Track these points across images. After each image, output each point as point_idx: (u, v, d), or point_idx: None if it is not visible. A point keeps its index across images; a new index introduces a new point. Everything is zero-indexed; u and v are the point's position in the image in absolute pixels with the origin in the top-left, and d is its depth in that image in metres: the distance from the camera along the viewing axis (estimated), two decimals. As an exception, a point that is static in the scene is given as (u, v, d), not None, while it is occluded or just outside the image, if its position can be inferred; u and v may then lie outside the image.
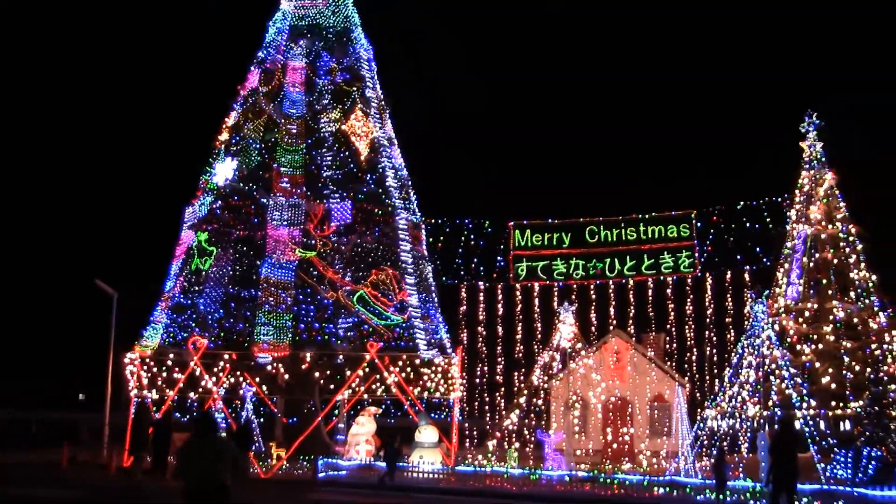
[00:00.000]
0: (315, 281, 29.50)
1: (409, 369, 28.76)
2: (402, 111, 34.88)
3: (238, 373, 28.35)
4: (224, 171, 31.57)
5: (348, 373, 27.87)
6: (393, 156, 32.65)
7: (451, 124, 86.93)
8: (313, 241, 29.96)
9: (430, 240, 33.59)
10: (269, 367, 28.13)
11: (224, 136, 32.63)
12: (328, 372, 28.27)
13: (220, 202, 31.15)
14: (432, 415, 30.17)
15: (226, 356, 28.18)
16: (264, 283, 29.20)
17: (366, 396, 30.35)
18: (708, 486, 22.25)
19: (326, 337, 28.83)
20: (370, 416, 29.02)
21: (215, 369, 28.10)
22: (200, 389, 28.71)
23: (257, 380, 28.49)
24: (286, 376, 28.29)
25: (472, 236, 33.66)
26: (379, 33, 34.66)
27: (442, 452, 28.08)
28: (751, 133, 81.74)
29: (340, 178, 30.94)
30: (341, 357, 28.30)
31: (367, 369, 27.90)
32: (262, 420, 32.82)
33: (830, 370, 30.80)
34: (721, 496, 20.76)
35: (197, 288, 30.15)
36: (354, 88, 32.42)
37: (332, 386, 28.34)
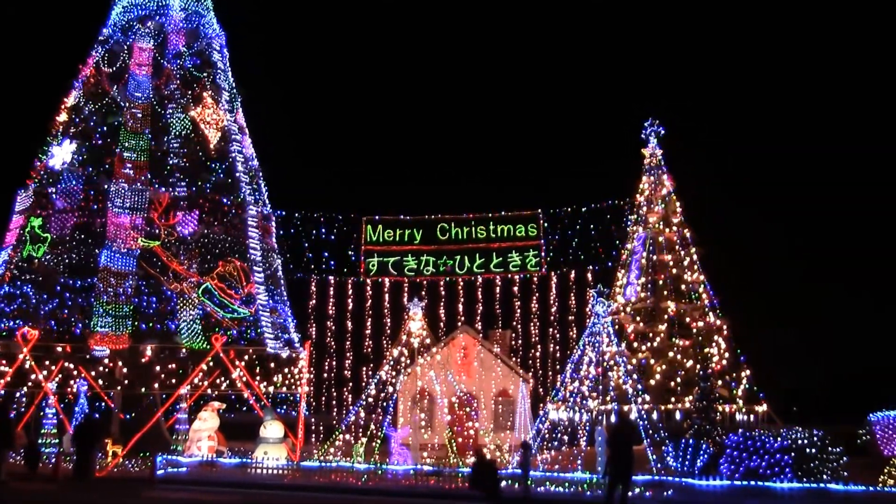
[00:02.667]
0: (158, 271, 28.52)
1: (255, 364, 28.27)
2: (254, 101, 34.14)
3: (72, 366, 27.06)
4: (62, 154, 30.02)
5: (191, 367, 27.13)
6: (244, 145, 31.94)
7: (306, 116, 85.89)
8: (157, 230, 28.93)
9: (281, 232, 33.11)
10: (106, 361, 27.02)
11: (63, 117, 31.01)
12: (170, 366, 27.39)
13: (56, 186, 29.60)
14: (278, 410, 29.76)
15: (59, 348, 26.83)
16: (103, 272, 27.96)
17: (209, 391, 29.57)
18: (549, 478, 22.95)
19: (168, 330, 27.94)
20: (213, 411, 28.35)
21: (47, 362, 26.71)
22: (30, 383, 27.21)
23: (93, 374, 27.23)
24: (124, 370, 27.24)
25: (323, 230, 33.42)
26: (232, 20, 33.74)
27: (287, 448, 27.75)
28: (597, 136, 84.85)
29: (188, 166, 30.02)
30: (184, 350, 27.49)
31: (211, 363, 27.23)
32: (97, 416, 31.40)
33: (663, 366, 32.49)
34: (526, 486, 21.34)
35: (28, 276, 28.57)
36: (205, 74, 31.49)
37: (173, 380, 27.45)
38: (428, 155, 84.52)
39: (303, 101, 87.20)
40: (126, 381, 27.68)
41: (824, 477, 21.73)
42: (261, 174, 32.49)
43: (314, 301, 33.93)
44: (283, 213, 33.15)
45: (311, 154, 79.88)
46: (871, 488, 21.12)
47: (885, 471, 23.31)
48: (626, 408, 27.83)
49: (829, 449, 22.66)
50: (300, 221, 33.40)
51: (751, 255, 59.95)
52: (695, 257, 34.42)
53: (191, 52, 31.63)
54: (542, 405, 31.72)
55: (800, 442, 22.17)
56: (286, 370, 29.21)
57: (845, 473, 22.54)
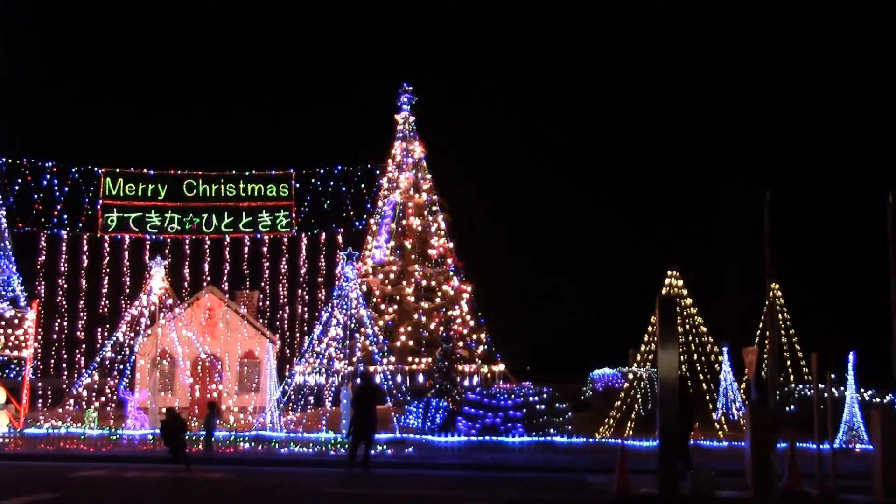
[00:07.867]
0: None
1: (-28, 324, 25.93)
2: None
3: None
4: None
5: None
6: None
7: (43, 53, 78.81)
8: None
9: (6, 182, 30.30)
10: None
11: None
12: None
13: None
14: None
15: None
16: None
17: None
18: (293, 439, 23.01)
19: None
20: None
21: None
22: None
23: None
24: None
25: (55, 180, 31.00)
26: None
27: (9, 414, 25.79)
28: (351, 98, 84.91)
29: None
30: None
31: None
32: None
33: (409, 328, 33.43)
34: (209, 445, 21.52)
35: None
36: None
37: None
38: (173, 106, 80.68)
39: (41, 30, 79.91)
40: None
41: (551, 431, 23.51)
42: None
43: (43, 257, 31.46)
44: (7, 159, 30.33)
45: (47, 95, 73.65)
46: (590, 440, 23.16)
47: (602, 426, 25.54)
48: (370, 369, 28.35)
49: (557, 405, 24.60)
50: (29, 170, 30.74)
51: (495, 222, 62.94)
52: (442, 223, 35.58)
53: None
54: (288, 367, 31.57)
55: (530, 399, 23.80)
56: (9, 331, 27.03)
57: (570, 427, 24.59)
